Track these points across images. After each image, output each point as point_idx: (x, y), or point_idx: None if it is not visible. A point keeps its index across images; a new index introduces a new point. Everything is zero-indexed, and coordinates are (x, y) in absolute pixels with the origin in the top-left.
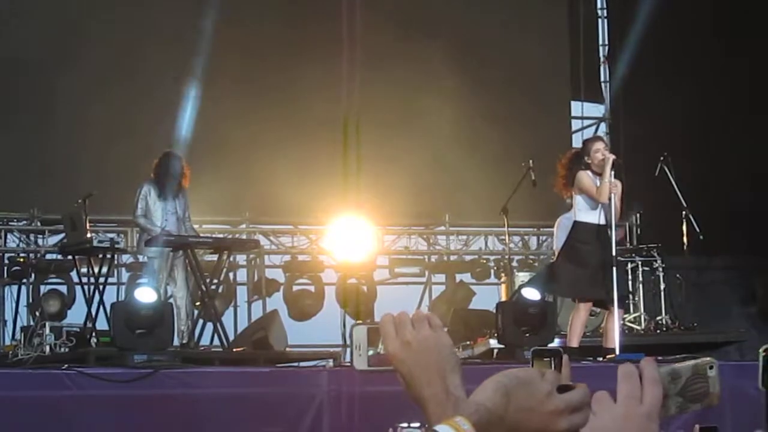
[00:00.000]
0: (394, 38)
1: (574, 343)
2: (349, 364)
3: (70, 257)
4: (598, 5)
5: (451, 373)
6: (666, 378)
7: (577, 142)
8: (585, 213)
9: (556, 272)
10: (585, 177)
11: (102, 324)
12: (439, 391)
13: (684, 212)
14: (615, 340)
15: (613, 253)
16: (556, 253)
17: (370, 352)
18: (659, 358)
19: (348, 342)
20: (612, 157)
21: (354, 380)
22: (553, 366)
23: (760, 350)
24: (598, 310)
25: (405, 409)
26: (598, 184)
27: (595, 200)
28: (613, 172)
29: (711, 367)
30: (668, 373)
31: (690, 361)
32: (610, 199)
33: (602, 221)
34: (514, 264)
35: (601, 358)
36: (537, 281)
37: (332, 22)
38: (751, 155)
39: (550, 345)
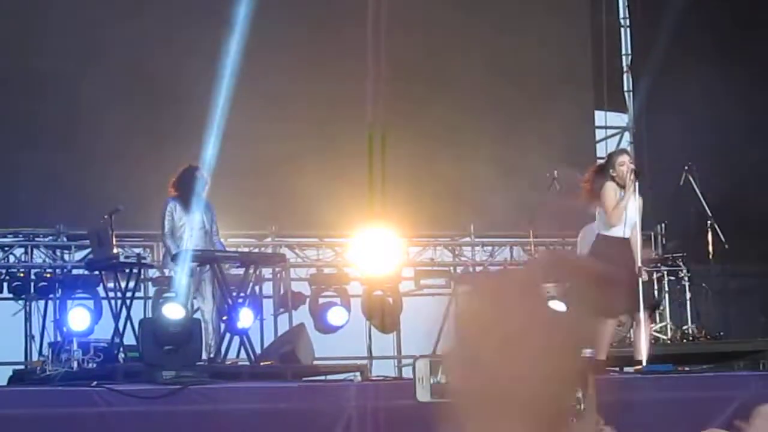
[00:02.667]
0: (419, 52)
1: (602, 355)
2: (377, 378)
3: (96, 273)
4: (621, 14)
5: None
6: None
7: (601, 151)
8: (609, 226)
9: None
10: (610, 191)
11: (129, 339)
12: None
13: (709, 221)
14: (642, 351)
15: (639, 264)
16: None
17: (434, 381)
18: (687, 368)
19: (371, 353)
20: (631, 169)
21: (381, 394)
22: None
23: None
24: (624, 320)
25: (433, 423)
26: (622, 195)
27: (608, 217)
28: (637, 186)
29: None
30: None
31: None
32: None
33: (627, 234)
34: None
35: (629, 369)
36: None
37: (359, 37)
38: None
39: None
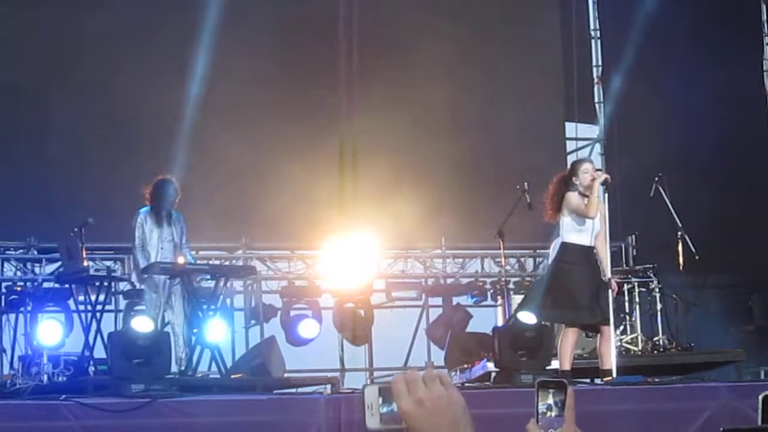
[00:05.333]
0: (390, 64)
1: (566, 365)
2: (347, 390)
3: (67, 286)
4: (591, 26)
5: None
6: None
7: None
8: (573, 234)
9: (545, 297)
10: (573, 197)
11: (100, 352)
12: None
13: (679, 232)
14: (612, 362)
15: (608, 275)
16: (545, 274)
17: (384, 410)
18: (656, 379)
19: (343, 365)
20: (604, 176)
21: (351, 407)
22: (554, 397)
23: (759, 396)
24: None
25: None
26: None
27: (584, 216)
28: (603, 189)
29: None
30: None
31: None
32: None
33: (591, 243)
34: (511, 286)
35: (599, 380)
36: (527, 305)
37: (330, 47)
38: (744, 172)
39: (548, 368)
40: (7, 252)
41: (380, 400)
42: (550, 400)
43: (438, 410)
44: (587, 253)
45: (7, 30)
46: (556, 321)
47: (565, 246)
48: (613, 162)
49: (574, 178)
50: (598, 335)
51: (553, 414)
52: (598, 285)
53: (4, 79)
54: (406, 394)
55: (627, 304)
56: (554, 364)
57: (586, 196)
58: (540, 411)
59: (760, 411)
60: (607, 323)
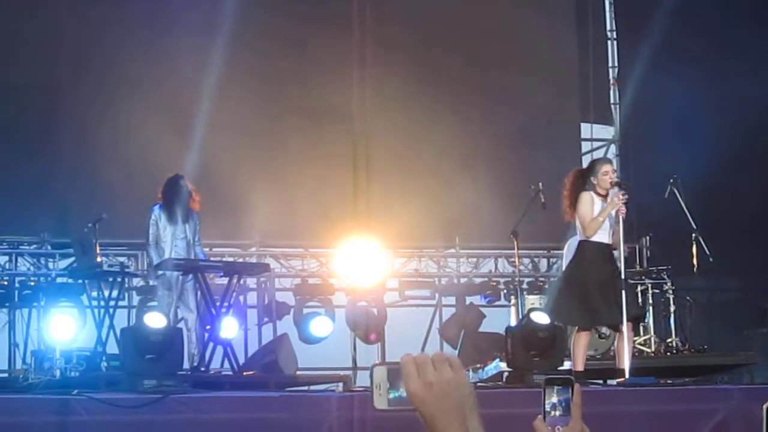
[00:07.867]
0: (404, 62)
1: (579, 366)
2: (359, 389)
3: (80, 281)
4: (608, 27)
5: (471, 415)
6: None
7: (586, 164)
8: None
9: (562, 299)
10: (586, 202)
11: (112, 347)
12: None
13: (694, 234)
14: (625, 363)
15: (623, 275)
16: (562, 274)
17: (392, 395)
18: (669, 381)
19: (355, 364)
20: (621, 203)
21: (363, 405)
22: (560, 394)
23: (764, 406)
24: (608, 332)
25: None
26: (600, 206)
27: (583, 227)
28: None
29: None
30: None
31: None
32: (617, 222)
33: (609, 240)
34: (524, 286)
35: (612, 381)
36: (547, 307)
37: (343, 46)
38: (760, 174)
39: (560, 369)
40: (21, 247)
41: (388, 381)
42: (557, 398)
43: (446, 394)
44: (606, 250)
45: (19, 29)
46: (572, 324)
47: (583, 244)
48: (628, 163)
49: (592, 178)
50: (617, 334)
51: (560, 412)
52: (616, 283)
53: (18, 77)
54: (415, 377)
55: (641, 304)
56: (567, 365)
57: (602, 196)
58: (547, 409)
59: (764, 421)
60: (623, 325)
